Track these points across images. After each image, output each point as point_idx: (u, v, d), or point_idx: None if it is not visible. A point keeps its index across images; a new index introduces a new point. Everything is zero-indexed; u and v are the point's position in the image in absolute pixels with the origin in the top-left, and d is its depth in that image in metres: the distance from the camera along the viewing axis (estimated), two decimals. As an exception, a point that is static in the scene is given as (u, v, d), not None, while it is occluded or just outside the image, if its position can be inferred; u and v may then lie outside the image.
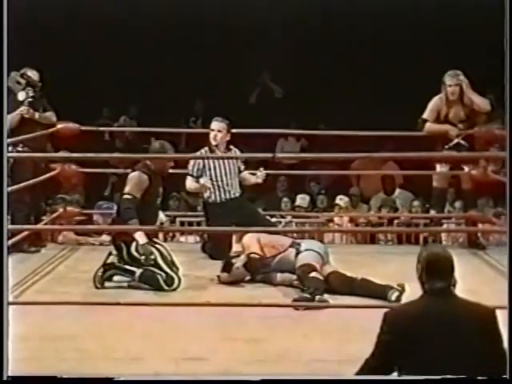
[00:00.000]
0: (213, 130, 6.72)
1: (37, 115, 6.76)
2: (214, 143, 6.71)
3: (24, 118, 6.68)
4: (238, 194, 6.79)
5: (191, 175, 6.74)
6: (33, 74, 6.79)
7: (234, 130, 6.83)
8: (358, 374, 3.00)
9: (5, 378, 3.24)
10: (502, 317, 3.26)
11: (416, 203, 8.50)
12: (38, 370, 3.81)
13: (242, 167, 6.88)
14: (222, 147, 6.75)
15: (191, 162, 6.77)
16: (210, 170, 6.71)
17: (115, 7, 10.46)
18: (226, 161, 6.74)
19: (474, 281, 5.49)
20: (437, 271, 3.03)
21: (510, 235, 3.74)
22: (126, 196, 5.59)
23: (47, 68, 7.06)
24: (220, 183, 6.70)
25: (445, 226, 7.65)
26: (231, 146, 6.83)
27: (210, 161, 6.70)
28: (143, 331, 4.61)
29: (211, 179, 6.66)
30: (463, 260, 6.53)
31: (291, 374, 3.74)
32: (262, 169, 6.84)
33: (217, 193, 6.70)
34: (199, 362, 4.09)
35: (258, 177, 6.79)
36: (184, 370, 4.02)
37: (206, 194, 6.72)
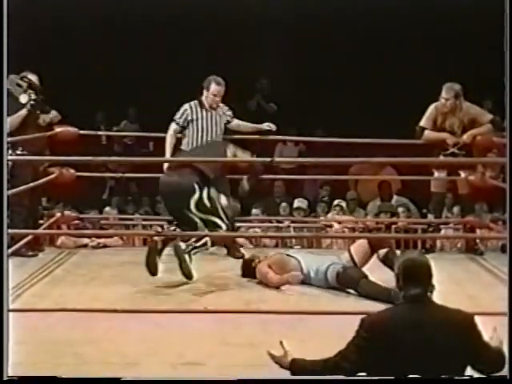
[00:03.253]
0: (215, 96, 6.57)
1: (41, 119, 6.77)
2: (213, 106, 6.60)
3: (25, 120, 6.65)
4: None
5: (177, 123, 6.62)
6: (33, 77, 6.78)
7: (234, 136, 6.82)
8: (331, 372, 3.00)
9: (5, 379, 3.24)
10: (502, 322, 3.26)
11: (401, 209, 8.50)
12: (34, 374, 3.80)
13: (231, 117, 6.75)
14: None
15: (181, 109, 6.64)
16: (196, 120, 6.59)
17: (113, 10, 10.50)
18: (213, 112, 6.61)
19: (472, 286, 5.49)
20: (412, 277, 3.00)
21: (510, 241, 3.74)
22: None
23: (44, 72, 7.05)
24: (204, 134, 6.56)
25: (443, 231, 7.65)
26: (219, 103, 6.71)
27: (199, 111, 6.58)
28: (140, 336, 4.60)
29: (196, 129, 6.54)
30: (461, 265, 6.57)
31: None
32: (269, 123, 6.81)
33: (198, 142, 6.53)
34: (196, 366, 4.08)
35: (269, 125, 6.77)
36: (181, 374, 4.01)
37: (184, 142, 6.61)
